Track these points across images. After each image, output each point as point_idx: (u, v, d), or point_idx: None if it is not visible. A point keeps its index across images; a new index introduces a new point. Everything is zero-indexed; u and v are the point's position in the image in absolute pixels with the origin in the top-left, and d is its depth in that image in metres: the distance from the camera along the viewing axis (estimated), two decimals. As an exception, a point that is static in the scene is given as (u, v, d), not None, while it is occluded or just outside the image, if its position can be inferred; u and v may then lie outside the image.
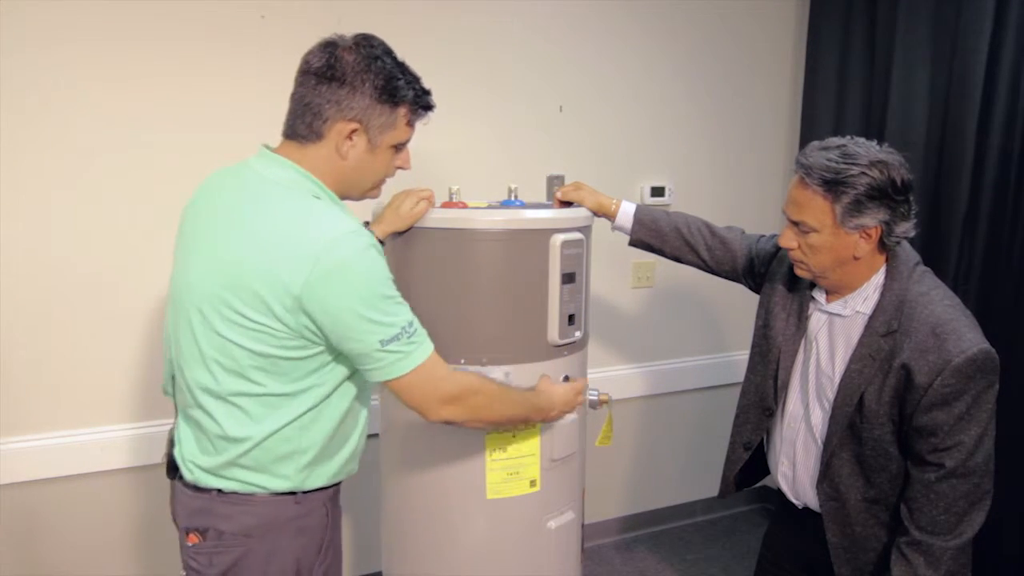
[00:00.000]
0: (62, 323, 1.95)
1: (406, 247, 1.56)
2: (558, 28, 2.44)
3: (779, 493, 1.59)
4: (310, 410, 1.22)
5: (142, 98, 1.94)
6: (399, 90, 1.22)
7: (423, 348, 1.21)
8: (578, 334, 1.60)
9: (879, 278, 1.38)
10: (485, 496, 1.55)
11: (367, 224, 1.57)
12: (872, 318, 1.36)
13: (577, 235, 1.56)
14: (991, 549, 2.01)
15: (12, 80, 1.82)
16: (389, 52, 1.24)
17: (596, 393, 1.82)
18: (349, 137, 1.21)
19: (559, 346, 1.57)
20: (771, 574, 1.69)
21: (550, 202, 1.80)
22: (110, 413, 2.04)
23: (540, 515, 1.61)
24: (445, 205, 1.57)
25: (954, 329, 1.28)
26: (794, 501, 1.54)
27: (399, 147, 1.30)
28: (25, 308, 1.90)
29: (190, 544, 1.24)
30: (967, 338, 1.27)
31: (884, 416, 1.34)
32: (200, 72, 1.99)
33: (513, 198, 1.69)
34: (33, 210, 1.88)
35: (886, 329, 1.33)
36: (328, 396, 1.24)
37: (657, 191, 2.68)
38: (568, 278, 1.54)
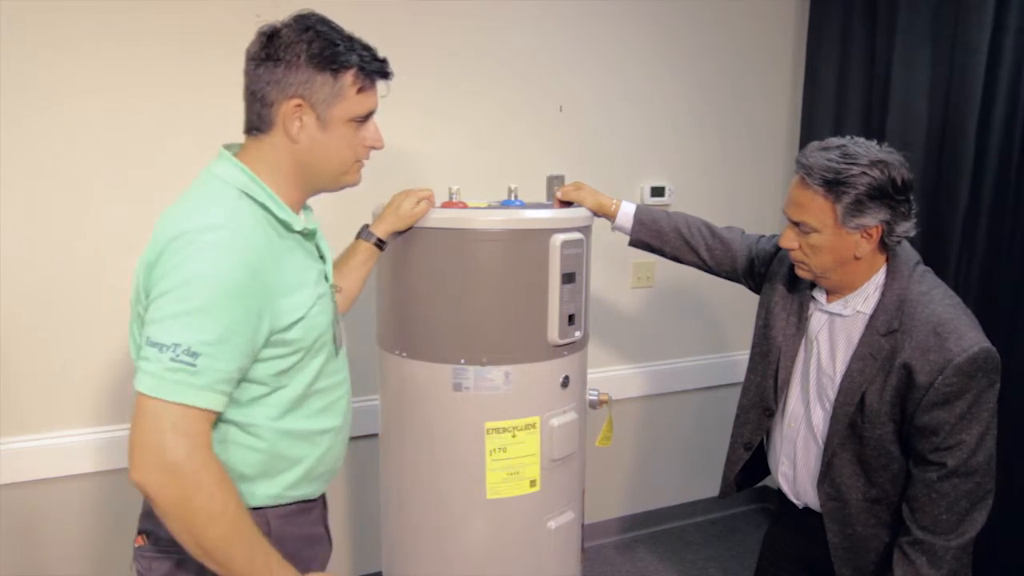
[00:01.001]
0: (62, 323, 1.95)
1: (406, 247, 1.56)
2: (558, 28, 2.44)
3: (779, 493, 1.59)
4: (228, 424, 1.13)
5: (141, 99, 1.94)
6: (339, 55, 1.12)
7: (182, 388, 0.99)
8: (578, 334, 1.60)
9: (880, 278, 1.38)
10: (485, 496, 1.55)
11: (367, 226, 1.58)
12: (873, 318, 1.36)
13: (577, 235, 1.56)
14: (992, 549, 2.01)
15: (12, 80, 1.82)
16: (325, 21, 1.15)
17: (596, 393, 1.82)
18: (296, 116, 1.13)
19: (559, 346, 1.57)
20: (771, 574, 1.69)
21: (550, 202, 1.80)
22: (110, 413, 2.04)
23: (540, 515, 1.61)
24: (445, 205, 1.57)
25: (955, 328, 1.28)
26: (794, 501, 1.54)
27: (360, 121, 1.19)
28: (25, 308, 1.90)
29: (136, 546, 1.22)
30: (968, 337, 1.27)
31: (885, 416, 1.34)
32: (199, 72, 1.99)
33: (513, 198, 1.69)
34: (33, 209, 1.88)
35: (887, 328, 1.33)
36: (243, 415, 1.13)
37: (657, 191, 2.68)
38: (568, 278, 1.54)
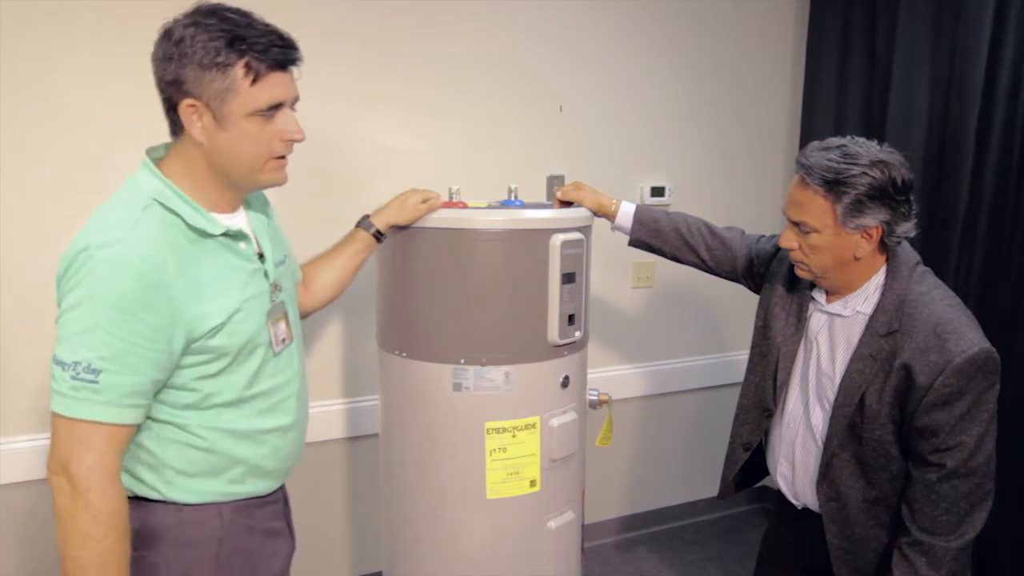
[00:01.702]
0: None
1: (406, 247, 1.56)
2: (558, 28, 2.44)
3: (778, 494, 1.58)
4: (165, 424, 1.14)
5: (140, 100, 1.94)
6: (224, 49, 1.06)
7: (85, 405, 1.01)
8: (578, 334, 1.60)
9: (879, 278, 1.38)
10: (485, 496, 1.55)
11: (367, 216, 1.57)
12: (873, 318, 1.36)
13: (577, 235, 1.56)
14: (992, 549, 2.01)
15: (12, 81, 1.82)
16: (215, 11, 1.08)
17: (596, 393, 1.82)
18: (194, 117, 1.09)
19: (559, 346, 1.57)
20: (771, 575, 1.69)
21: (550, 202, 1.80)
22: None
23: (540, 515, 1.61)
24: (445, 205, 1.57)
25: (955, 329, 1.27)
26: (793, 502, 1.54)
27: (266, 114, 1.11)
28: (25, 308, 1.90)
29: None
30: (968, 338, 1.26)
31: (885, 416, 1.34)
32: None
33: (513, 198, 1.69)
34: (33, 210, 1.88)
35: (887, 329, 1.33)
36: (180, 417, 1.14)
37: (657, 191, 2.67)
38: (568, 278, 1.54)
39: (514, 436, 1.55)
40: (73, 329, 1.01)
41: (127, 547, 1.07)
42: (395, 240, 1.57)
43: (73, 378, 1.00)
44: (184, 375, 1.12)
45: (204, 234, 1.13)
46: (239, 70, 1.07)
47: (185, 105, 1.08)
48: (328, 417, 2.27)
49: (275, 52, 1.10)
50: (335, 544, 2.40)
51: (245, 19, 1.10)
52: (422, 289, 1.54)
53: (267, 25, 1.12)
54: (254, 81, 1.09)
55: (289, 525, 1.40)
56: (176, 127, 1.12)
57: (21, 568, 1.99)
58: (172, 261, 1.07)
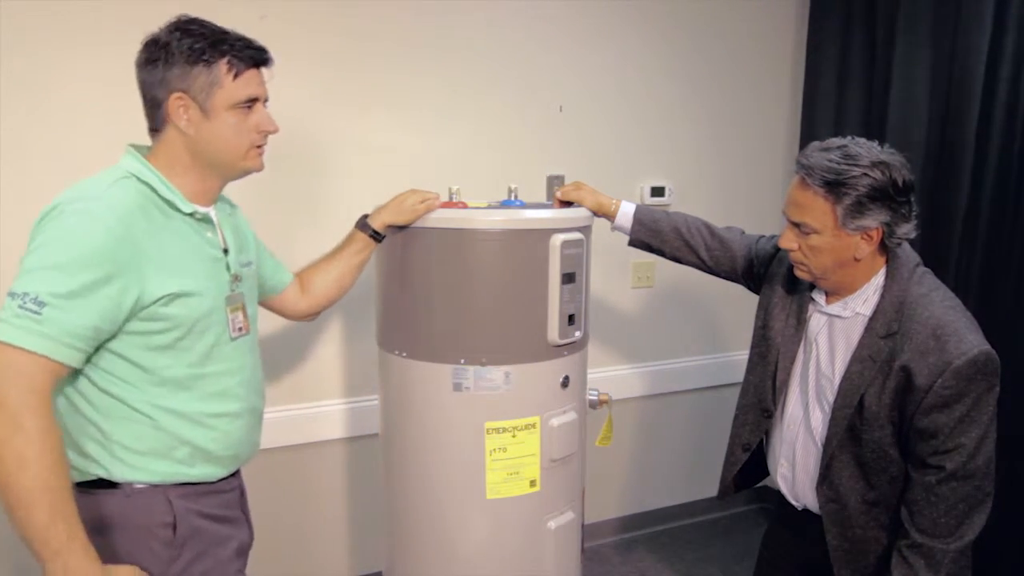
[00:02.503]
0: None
1: (406, 247, 1.56)
2: (558, 28, 2.44)
3: (778, 494, 1.58)
4: (113, 400, 1.17)
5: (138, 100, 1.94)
6: (208, 48, 1.20)
7: (22, 333, 1.03)
8: (578, 334, 1.60)
9: (879, 279, 1.38)
10: (485, 496, 1.55)
11: (366, 217, 1.59)
12: (872, 320, 1.36)
13: (577, 235, 1.56)
14: (992, 550, 2.01)
15: (11, 81, 1.82)
16: (196, 21, 1.23)
17: (596, 393, 1.82)
18: (181, 109, 1.20)
19: (559, 346, 1.57)
20: (770, 575, 1.69)
21: (550, 202, 1.80)
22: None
23: (540, 515, 1.61)
24: (445, 205, 1.57)
25: (955, 331, 1.27)
26: (793, 503, 1.54)
27: (245, 107, 1.24)
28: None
29: None
30: (968, 340, 1.26)
31: (884, 418, 1.34)
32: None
33: (513, 198, 1.69)
34: (32, 209, 1.88)
35: (886, 331, 1.33)
36: (128, 392, 1.17)
37: (657, 191, 2.68)
38: (568, 278, 1.54)
39: (514, 436, 1.55)
40: (31, 265, 1.07)
41: (66, 473, 1.06)
42: (395, 240, 1.57)
43: (20, 307, 1.04)
44: (134, 343, 1.16)
45: (173, 207, 1.21)
46: (223, 66, 1.21)
47: (173, 99, 1.20)
48: (328, 417, 2.27)
49: (251, 52, 1.24)
50: (335, 544, 2.40)
51: (221, 28, 1.24)
52: (422, 289, 1.54)
53: (240, 34, 1.26)
54: (235, 76, 1.22)
55: (246, 516, 1.42)
56: (158, 123, 1.23)
57: (21, 567, 2.00)
58: (142, 223, 1.15)
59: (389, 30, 2.19)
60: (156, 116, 1.23)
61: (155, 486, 1.21)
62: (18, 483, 1.02)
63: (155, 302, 1.15)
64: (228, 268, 1.31)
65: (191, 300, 1.20)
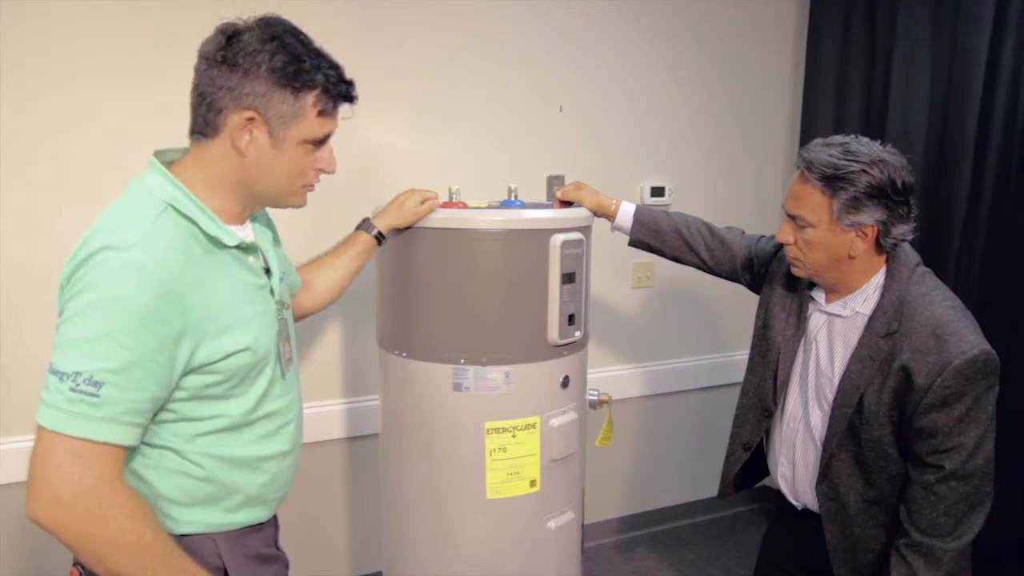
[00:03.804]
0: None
1: (406, 247, 1.56)
2: (558, 28, 2.44)
3: (778, 493, 1.59)
4: (164, 450, 1.08)
5: (139, 102, 1.94)
6: (303, 73, 1.04)
7: (81, 420, 0.92)
8: (578, 334, 1.61)
9: (879, 279, 1.38)
10: (485, 496, 1.55)
11: (367, 219, 1.58)
12: (872, 319, 1.36)
13: (577, 235, 1.56)
14: (992, 549, 2.01)
15: (12, 81, 1.82)
16: (293, 32, 1.07)
17: (596, 393, 1.82)
18: (247, 129, 1.05)
19: (559, 346, 1.57)
20: (770, 575, 1.69)
21: (550, 202, 1.81)
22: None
23: (540, 515, 1.61)
24: (445, 205, 1.58)
25: (955, 331, 1.27)
26: (793, 502, 1.54)
27: (316, 144, 1.11)
28: (25, 308, 1.90)
29: None
30: (968, 340, 1.26)
31: (883, 417, 1.34)
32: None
33: (513, 198, 1.70)
34: (33, 209, 1.88)
35: (886, 330, 1.33)
36: (180, 442, 1.08)
37: (657, 191, 2.68)
38: (568, 278, 1.54)
39: (514, 436, 1.55)
40: (76, 336, 0.93)
41: (165, 535, 1.00)
42: (395, 240, 1.58)
43: (72, 390, 0.91)
44: (184, 396, 1.05)
45: (219, 244, 1.08)
46: (312, 98, 1.07)
47: (243, 116, 1.04)
48: (328, 417, 2.27)
49: (343, 88, 1.11)
50: (335, 544, 2.41)
51: (316, 47, 1.09)
52: (422, 289, 1.54)
53: (331, 58, 1.11)
54: (321, 112, 1.08)
55: (278, 547, 1.35)
56: (209, 129, 1.06)
57: (22, 569, 2.00)
58: (190, 273, 1.01)
59: (389, 30, 2.19)
60: (210, 122, 1.06)
61: (200, 535, 1.13)
62: (124, 566, 0.95)
63: (218, 360, 1.04)
64: (273, 293, 1.18)
65: (246, 353, 1.08)
